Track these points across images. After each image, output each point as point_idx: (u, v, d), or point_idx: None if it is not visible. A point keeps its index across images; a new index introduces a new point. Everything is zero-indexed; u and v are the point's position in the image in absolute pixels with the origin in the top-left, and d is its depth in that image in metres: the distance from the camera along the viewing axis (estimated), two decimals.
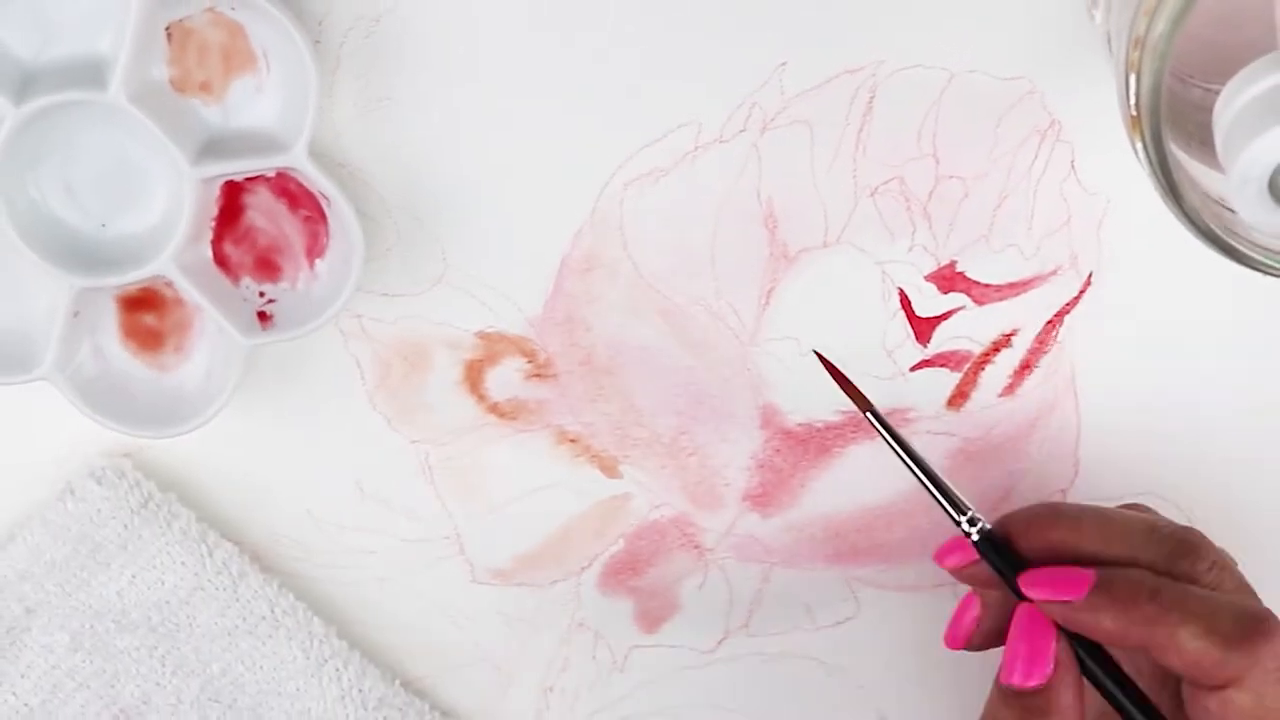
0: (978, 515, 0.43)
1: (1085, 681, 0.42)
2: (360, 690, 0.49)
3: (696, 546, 0.50)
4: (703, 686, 0.51)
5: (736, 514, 0.49)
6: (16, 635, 0.48)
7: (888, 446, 0.43)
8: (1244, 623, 0.39)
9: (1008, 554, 0.43)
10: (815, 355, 0.45)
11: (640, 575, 0.50)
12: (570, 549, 0.49)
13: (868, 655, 0.51)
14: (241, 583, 0.48)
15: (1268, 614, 0.40)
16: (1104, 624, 0.40)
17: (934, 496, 0.43)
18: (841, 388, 0.44)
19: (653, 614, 0.51)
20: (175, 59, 0.42)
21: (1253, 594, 0.42)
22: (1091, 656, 0.42)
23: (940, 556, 0.44)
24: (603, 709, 0.52)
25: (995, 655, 0.51)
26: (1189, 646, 0.39)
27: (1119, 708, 0.42)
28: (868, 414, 0.44)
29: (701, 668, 0.51)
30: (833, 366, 0.45)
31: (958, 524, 0.43)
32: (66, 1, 0.41)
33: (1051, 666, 0.41)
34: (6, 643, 0.48)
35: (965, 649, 0.45)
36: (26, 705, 0.49)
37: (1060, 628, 0.41)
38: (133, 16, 0.40)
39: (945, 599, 0.50)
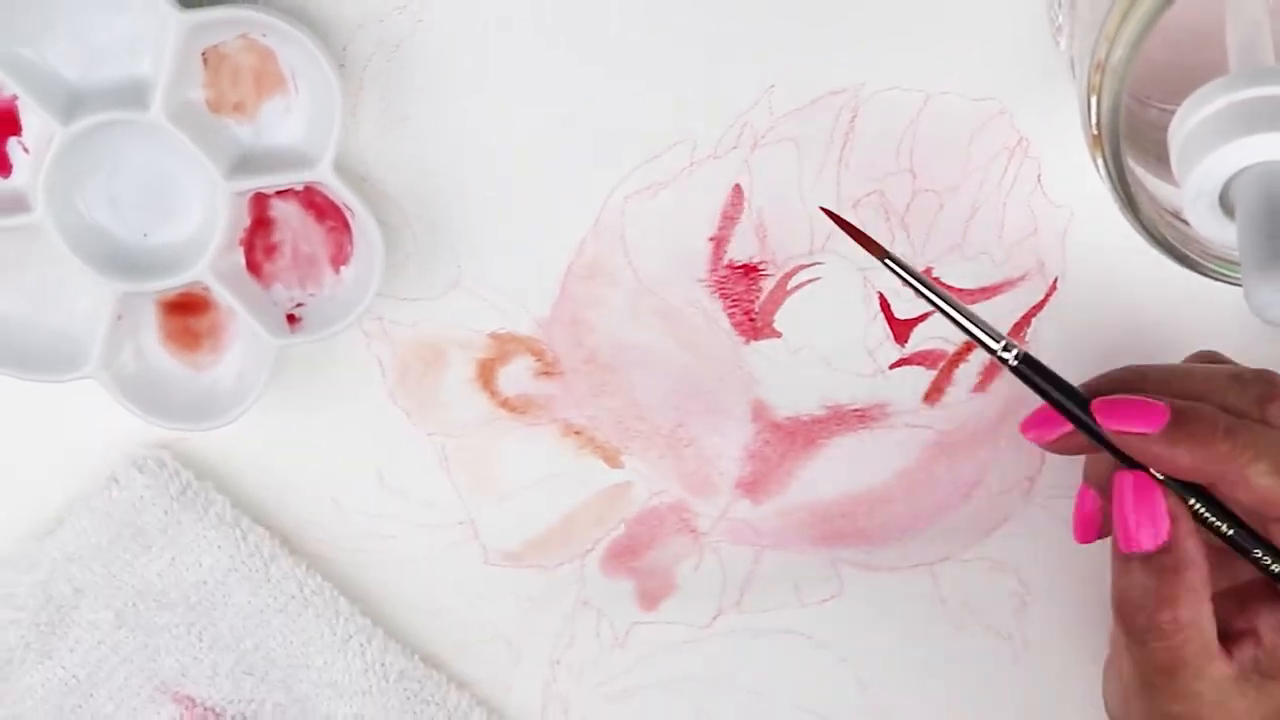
0: (1012, 343, 0.40)
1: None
2: (382, 664, 0.49)
3: (692, 530, 0.50)
4: (698, 660, 0.51)
5: (729, 500, 0.49)
6: (65, 613, 0.48)
7: (913, 290, 0.40)
8: None
9: (1061, 382, 0.40)
10: (822, 211, 0.41)
11: (640, 557, 0.50)
12: (575, 533, 0.49)
13: (851, 630, 0.51)
14: (273, 564, 0.48)
15: None
16: (1180, 459, 0.38)
17: (963, 328, 0.40)
18: (854, 238, 0.41)
19: (652, 593, 0.51)
20: (211, 81, 0.42)
21: None
22: (1199, 499, 0.40)
23: (1029, 427, 0.41)
24: (606, 681, 0.52)
25: (963, 635, 0.51)
26: (1259, 482, 0.38)
27: (1235, 546, 0.40)
28: (886, 260, 0.40)
29: (697, 643, 0.51)
30: (842, 220, 0.41)
31: (993, 352, 0.40)
32: (110, 28, 0.41)
33: (1168, 522, 0.39)
34: (56, 620, 0.48)
35: (1100, 538, 0.43)
36: (74, 677, 0.49)
37: (1163, 481, 0.40)
38: (172, 42, 0.40)
39: (923, 578, 0.50)
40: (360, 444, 0.48)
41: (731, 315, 0.46)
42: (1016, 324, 0.46)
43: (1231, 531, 0.40)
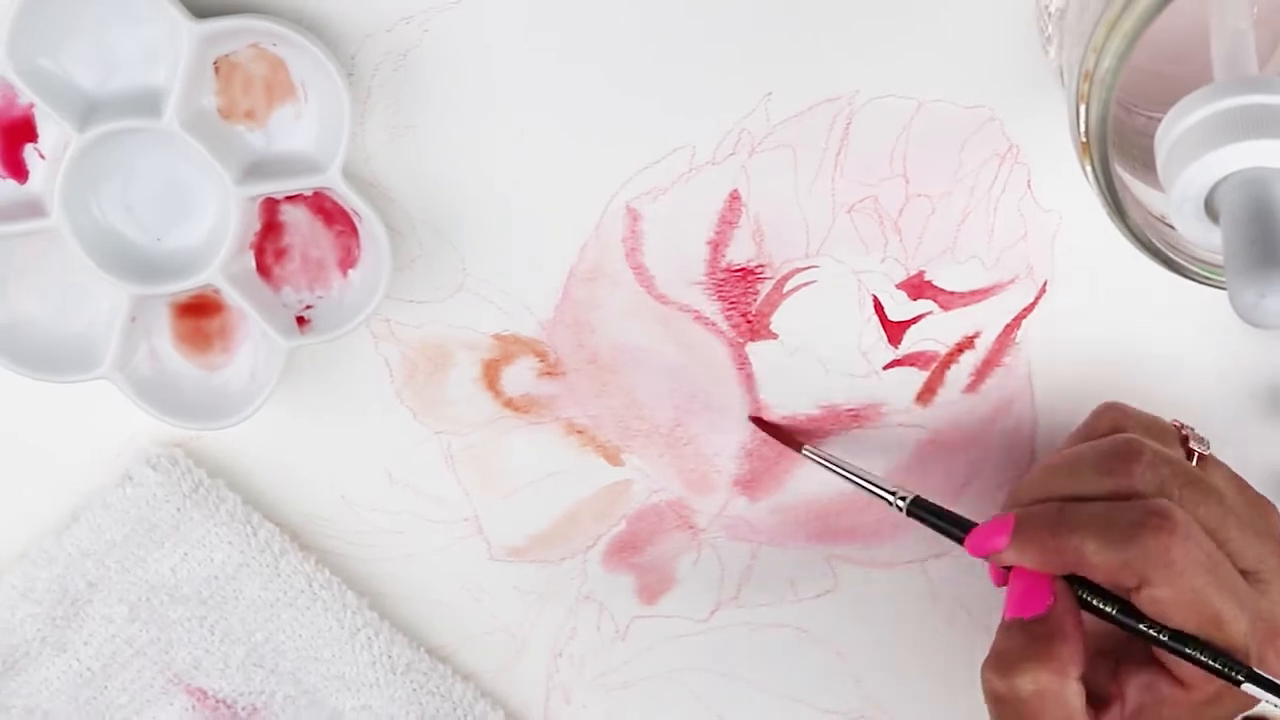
0: (906, 492, 0.43)
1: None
2: (389, 656, 0.49)
3: (691, 527, 0.50)
4: (697, 652, 0.51)
5: (727, 498, 0.49)
6: (80, 607, 0.48)
7: (825, 468, 0.45)
8: (1134, 524, 0.38)
9: (948, 515, 0.43)
10: (752, 421, 0.47)
11: (640, 553, 0.50)
12: (577, 529, 0.49)
13: (845, 624, 0.51)
14: (282, 560, 0.48)
15: (1160, 508, 0.38)
16: (1029, 563, 0.40)
17: (865, 487, 0.44)
18: (776, 438, 0.47)
19: (652, 587, 0.51)
20: (223, 90, 0.42)
21: (1195, 478, 0.40)
22: (1083, 586, 0.40)
23: (972, 548, 0.43)
24: (607, 673, 0.52)
25: (953, 629, 0.51)
26: (1095, 560, 0.38)
27: (1114, 622, 0.40)
28: (803, 450, 0.46)
29: (695, 636, 0.51)
30: (767, 424, 0.47)
31: (890, 502, 0.43)
32: (126, 39, 0.41)
33: (1050, 598, 0.40)
34: (71, 613, 0.48)
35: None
36: (89, 669, 0.49)
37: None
38: (185, 52, 0.40)
39: (914, 574, 0.50)
40: (368, 442, 0.48)
41: (729, 317, 0.46)
42: (1007, 326, 0.47)
43: (1113, 610, 0.40)
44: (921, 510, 0.43)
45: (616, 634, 0.51)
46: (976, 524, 0.42)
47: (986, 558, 0.41)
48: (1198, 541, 0.38)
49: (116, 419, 0.47)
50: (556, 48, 0.42)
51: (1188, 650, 0.38)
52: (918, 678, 0.52)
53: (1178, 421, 0.44)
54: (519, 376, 0.47)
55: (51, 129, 0.42)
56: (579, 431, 0.48)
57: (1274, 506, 0.43)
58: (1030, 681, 0.39)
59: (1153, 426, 0.43)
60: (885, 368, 0.47)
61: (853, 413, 0.48)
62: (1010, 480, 0.49)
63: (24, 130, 0.43)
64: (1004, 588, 0.42)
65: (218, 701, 0.50)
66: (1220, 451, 0.48)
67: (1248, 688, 0.38)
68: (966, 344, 0.47)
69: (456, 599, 0.50)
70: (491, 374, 0.47)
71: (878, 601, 0.49)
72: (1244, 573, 0.40)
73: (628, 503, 0.49)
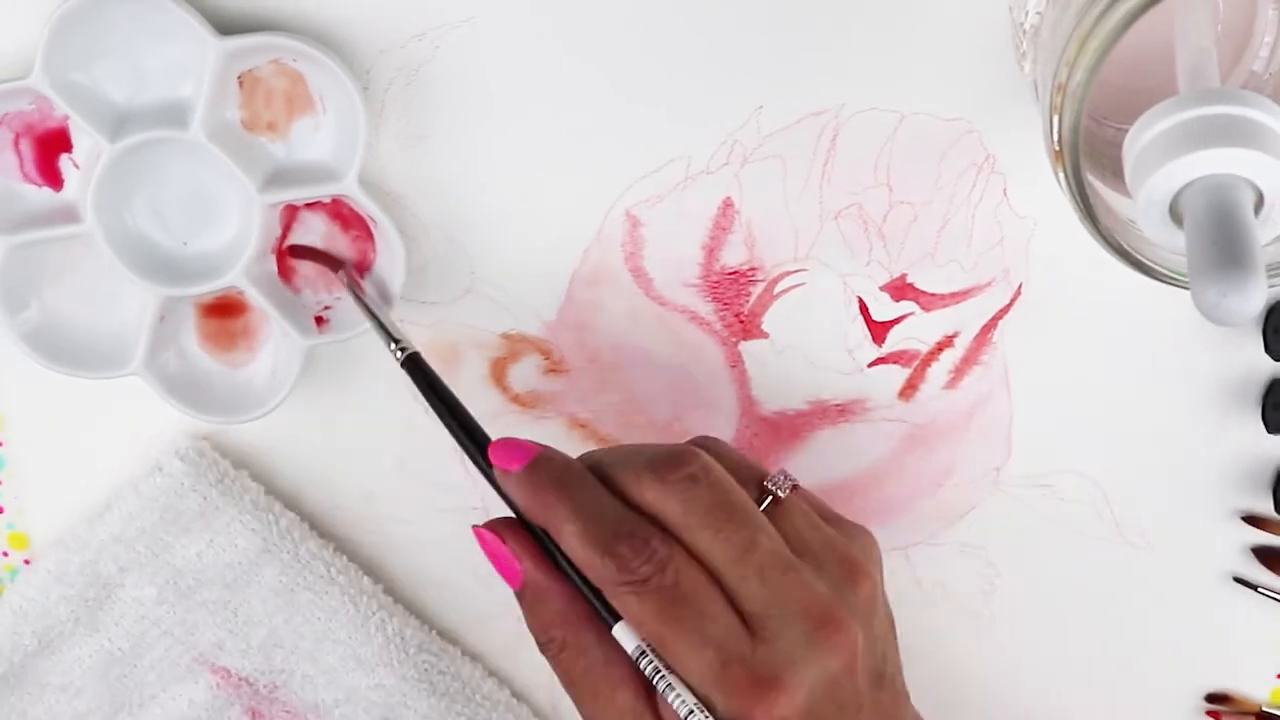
0: (407, 345, 0.39)
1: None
2: (402, 638, 0.49)
3: None
4: None
5: None
6: (111, 590, 0.48)
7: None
8: (623, 532, 0.35)
9: (440, 384, 0.38)
10: (288, 252, 0.41)
11: None
12: None
13: None
14: (302, 546, 0.48)
15: (641, 530, 0.35)
16: (518, 499, 0.37)
17: (377, 330, 0.39)
18: (315, 260, 0.41)
19: None
20: (246, 103, 0.42)
21: (726, 506, 0.36)
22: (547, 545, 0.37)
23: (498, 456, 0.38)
24: None
25: (935, 611, 0.51)
26: (568, 543, 0.35)
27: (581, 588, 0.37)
28: (338, 273, 0.40)
29: None
30: (304, 249, 0.42)
31: (393, 354, 0.39)
32: (155, 55, 0.41)
33: (515, 563, 0.37)
34: (103, 596, 0.48)
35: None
36: (119, 649, 0.49)
37: (522, 524, 0.37)
38: (210, 67, 0.40)
39: (897, 560, 0.50)
40: (383, 435, 0.48)
41: (723, 317, 0.46)
42: (984, 326, 0.46)
43: (575, 577, 0.37)
44: (417, 371, 0.38)
45: None
46: (480, 428, 0.38)
47: (492, 470, 0.37)
48: (691, 577, 0.35)
49: (146, 413, 0.47)
50: (559, 64, 0.42)
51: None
52: (902, 658, 0.51)
53: (779, 470, 0.39)
54: (525, 373, 0.47)
55: (85, 140, 0.42)
56: (581, 425, 0.48)
57: (865, 534, 0.40)
58: (550, 643, 0.37)
59: (732, 461, 0.39)
60: (870, 365, 0.47)
61: (840, 407, 0.48)
62: (989, 472, 0.49)
63: (59, 141, 0.43)
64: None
65: (240, 680, 0.50)
66: (1186, 448, 0.48)
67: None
68: (946, 343, 0.47)
69: (465, 583, 0.50)
70: (499, 371, 0.47)
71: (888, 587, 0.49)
72: (748, 614, 0.35)
73: None
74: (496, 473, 0.37)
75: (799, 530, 0.38)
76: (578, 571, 0.36)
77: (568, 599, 0.37)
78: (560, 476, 0.36)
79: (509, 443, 0.38)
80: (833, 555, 0.38)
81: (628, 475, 0.37)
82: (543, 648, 0.38)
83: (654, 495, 0.36)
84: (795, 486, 0.39)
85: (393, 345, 0.39)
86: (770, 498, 0.38)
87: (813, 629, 0.35)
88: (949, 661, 0.51)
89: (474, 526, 0.38)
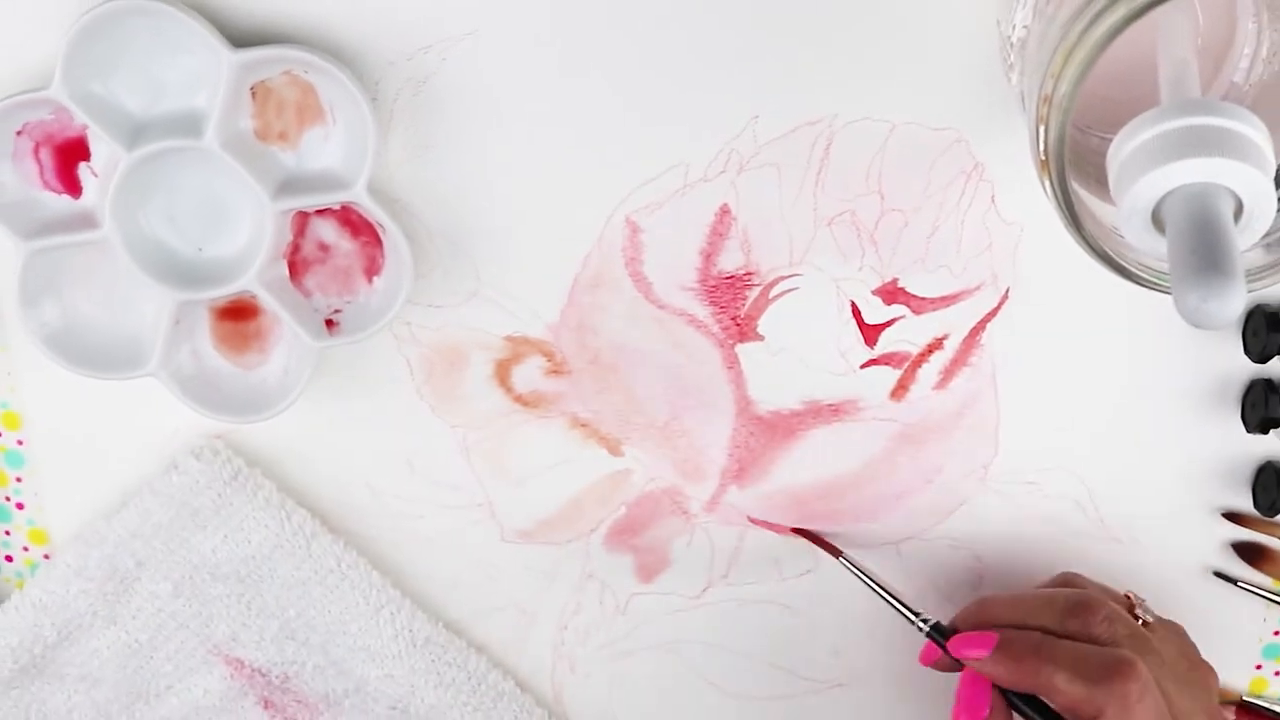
0: (927, 616, 0.46)
1: None
2: (410, 630, 0.49)
3: (685, 512, 0.50)
4: (690, 626, 0.51)
5: (718, 485, 0.49)
6: (129, 584, 0.48)
7: (858, 579, 0.47)
8: (1106, 666, 0.41)
9: (948, 632, 0.46)
10: (794, 532, 0.49)
11: (639, 535, 0.50)
12: (581, 514, 0.49)
13: (824, 601, 0.51)
14: (313, 542, 0.48)
15: (1128, 659, 0.41)
16: (1001, 673, 0.43)
17: (897, 609, 0.46)
18: (816, 543, 0.49)
19: (649, 567, 0.50)
20: (258, 113, 0.42)
21: (1141, 636, 0.43)
22: (1024, 701, 0.44)
23: (923, 659, 0.47)
24: (608, 644, 0.52)
25: (924, 605, 0.51)
26: (1063, 688, 0.41)
27: None
28: (841, 559, 0.48)
29: (689, 611, 0.51)
30: (808, 533, 0.49)
31: (915, 624, 0.46)
32: (171, 67, 0.41)
33: (987, 709, 0.44)
34: (120, 590, 0.48)
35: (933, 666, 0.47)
36: (136, 641, 0.49)
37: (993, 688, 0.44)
38: (224, 79, 0.40)
39: (888, 555, 0.50)
40: (391, 435, 0.48)
41: (720, 320, 0.46)
42: (973, 329, 0.46)
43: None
44: (936, 632, 0.46)
45: (617, 609, 0.51)
46: (957, 631, 0.45)
47: (962, 661, 0.45)
48: (1154, 693, 0.41)
49: (163, 413, 0.47)
50: (561, 75, 0.42)
51: None
52: (891, 649, 0.51)
53: (1129, 592, 0.47)
54: (528, 375, 0.47)
55: (103, 149, 0.42)
56: (583, 425, 0.48)
57: (1213, 672, 0.46)
58: None
59: (1108, 592, 0.47)
60: (862, 366, 0.47)
61: (833, 407, 0.48)
62: (977, 470, 0.49)
63: (78, 150, 0.43)
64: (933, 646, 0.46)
65: (253, 671, 0.50)
66: (1168, 446, 0.48)
67: None
68: (936, 345, 0.47)
69: (471, 577, 0.50)
70: (503, 372, 0.47)
71: (854, 580, 0.49)
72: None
73: (627, 490, 0.49)
74: (970, 663, 0.44)
75: (1165, 647, 0.45)
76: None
77: None
78: (1030, 643, 0.43)
79: (966, 638, 0.45)
80: (1198, 670, 0.46)
81: (1053, 622, 0.44)
82: None
83: (1104, 629, 0.43)
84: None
85: (915, 619, 0.47)
86: (1141, 621, 0.46)
87: None
88: None
89: (965, 672, 0.45)
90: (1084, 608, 0.44)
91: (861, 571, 0.47)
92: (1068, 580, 0.47)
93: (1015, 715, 0.44)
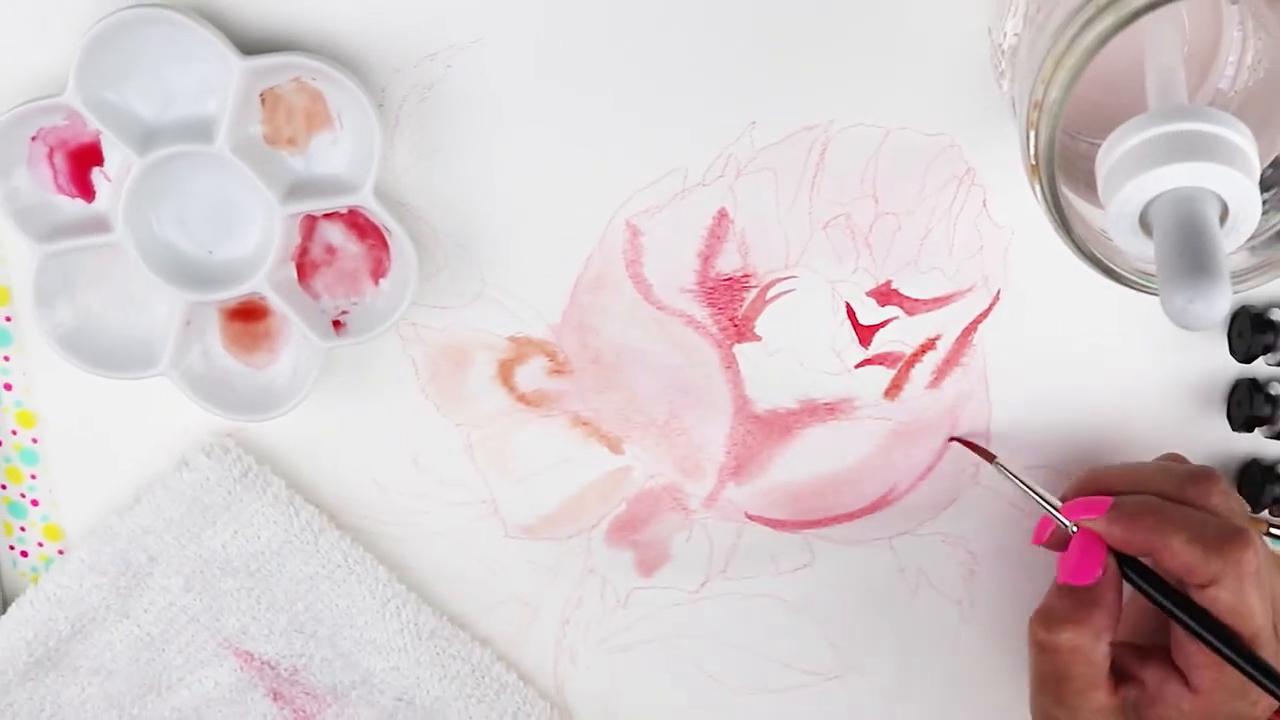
0: (1056, 501, 0.44)
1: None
2: (416, 624, 0.49)
3: (684, 508, 0.50)
4: (689, 620, 0.51)
5: (716, 482, 0.49)
6: (140, 578, 0.48)
7: (1015, 486, 0.45)
8: (1223, 534, 0.40)
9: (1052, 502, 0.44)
10: (953, 441, 0.48)
11: (639, 531, 0.50)
12: (583, 510, 0.49)
13: (820, 596, 0.51)
14: (321, 538, 0.48)
15: (1246, 529, 0.40)
16: (1117, 532, 0.41)
17: (1049, 512, 0.44)
18: (973, 450, 0.47)
19: (649, 562, 0.50)
20: (268, 119, 0.42)
21: (1252, 522, 0.42)
22: (1131, 568, 0.42)
23: (1035, 538, 0.45)
24: (609, 637, 0.52)
25: (917, 598, 0.51)
26: (1179, 551, 0.40)
27: (1154, 602, 0.42)
28: (994, 463, 0.47)
29: (688, 605, 0.51)
30: (968, 443, 0.48)
31: (1056, 519, 0.44)
32: (182, 74, 0.41)
33: (1100, 571, 0.42)
34: (133, 584, 0.48)
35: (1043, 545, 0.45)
36: (148, 634, 0.49)
37: (1109, 547, 0.42)
38: (234, 86, 0.40)
39: (882, 550, 0.50)
40: (397, 433, 0.48)
41: (718, 321, 0.46)
42: (965, 329, 0.46)
43: (1159, 597, 0.41)
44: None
45: (618, 603, 0.51)
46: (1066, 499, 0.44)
47: (1078, 523, 0.43)
48: (1266, 568, 0.40)
49: (174, 412, 0.47)
50: (563, 81, 0.42)
51: (1226, 651, 0.40)
52: (886, 642, 0.52)
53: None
54: (531, 374, 0.47)
55: (115, 154, 0.42)
56: (584, 423, 0.48)
57: None
58: (1069, 638, 0.41)
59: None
60: (857, 366, 0.47)
61: (828, 406, 0.48)
62: (969, 468, 0.49)
63: (91, 155, 0.43)
64: (1036, 547, 0.44)
65: (263, 663, 0.50)
66: (1155, 444, 0.48)
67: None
68: (929, 345, 0.47)
69: (475, 572, 0.50)
70: (506, 372, 0.47)
71: (850, 574, 0.49)
72: None
73: (628, 487, 0.49)
74: (1082, 522, 0.42)
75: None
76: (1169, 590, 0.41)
77: (1110, 614, 0.42)
78: (1148, 505, 0.41)
79: (1083, 501, 0.43)
80: None
81: (1172, 489, 0.42)
82: (1045, 634, 0.42)
83: (1219, 501, 0.42)
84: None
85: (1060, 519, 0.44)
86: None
87: None
88: (930, 644, 0.51)
89: (1077, 537, 0.42)
90: (1204, 477, 0.42)
91: (1014, 475, 0.45)
92: (1174, 458, 0.46)
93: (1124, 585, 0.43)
